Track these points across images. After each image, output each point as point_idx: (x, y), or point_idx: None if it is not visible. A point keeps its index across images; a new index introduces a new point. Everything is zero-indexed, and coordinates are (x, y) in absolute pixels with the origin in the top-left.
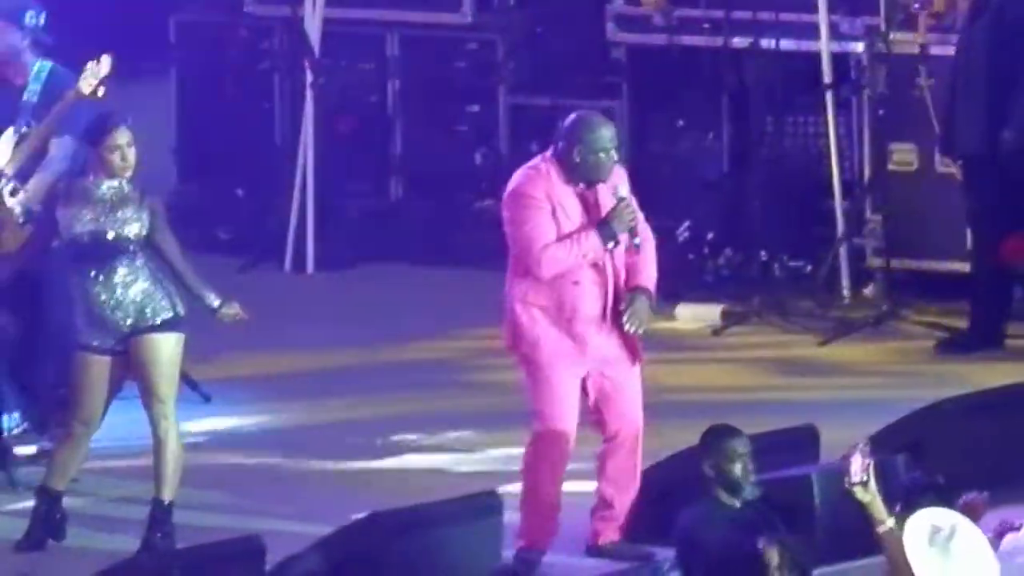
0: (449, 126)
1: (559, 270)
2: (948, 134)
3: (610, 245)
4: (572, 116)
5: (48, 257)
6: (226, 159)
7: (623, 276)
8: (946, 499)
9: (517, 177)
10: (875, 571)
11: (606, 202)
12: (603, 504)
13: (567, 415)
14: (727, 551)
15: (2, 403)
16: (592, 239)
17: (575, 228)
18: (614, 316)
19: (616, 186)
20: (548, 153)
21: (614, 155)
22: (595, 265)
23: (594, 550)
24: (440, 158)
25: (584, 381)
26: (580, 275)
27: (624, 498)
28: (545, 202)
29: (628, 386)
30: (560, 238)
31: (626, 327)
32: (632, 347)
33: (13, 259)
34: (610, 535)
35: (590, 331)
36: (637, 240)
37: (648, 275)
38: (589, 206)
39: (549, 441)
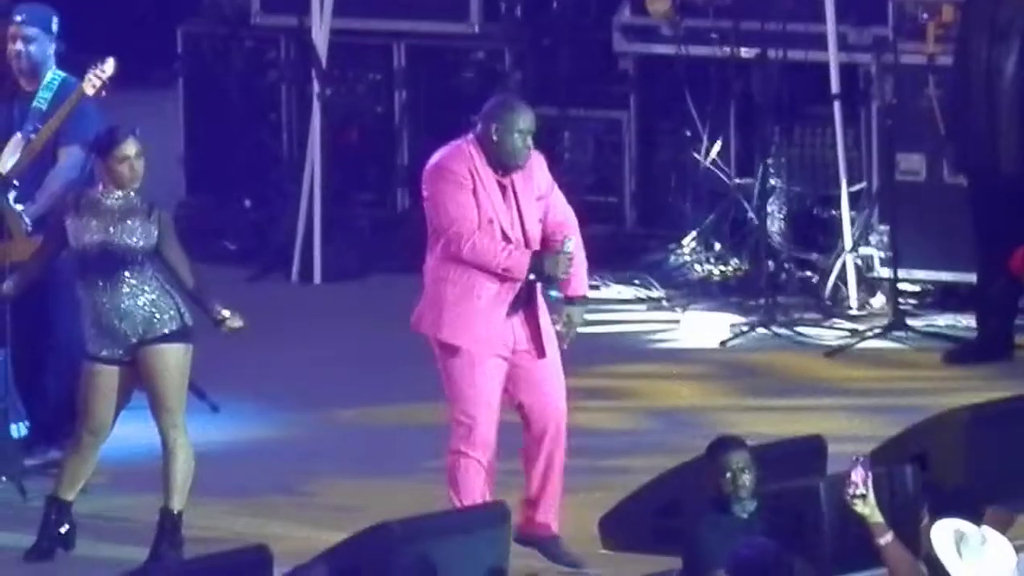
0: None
1: (477, 262)
2: (954, 147)
3: (531, 277)
4: (492, 98)
5: (57, 267)
6: (234, 170)
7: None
8: (976, 515)
9: (439, 153)
10: None
11: (523, 193)
12: (528, 498)
13: (488, 403)
14: (734, 562)
15: (11, 413)
16: (521, 260)
17: (494, 212)
18: (526, 308)
19: (567, 238)
20: (469, 135)
21: (530, 141)
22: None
23: (524, 539)
24: None
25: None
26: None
27: (548, 489)
28: (468, 179)
29: (542, 374)
30: (493, 239)
31: (565, 342)
32: (544, 338)
33: (22, 269)
34: (542, 525)
35: (497, 316)
36: (555, 294)
37: (581, 279)
38: (507, 195)
39: (469, 433)
